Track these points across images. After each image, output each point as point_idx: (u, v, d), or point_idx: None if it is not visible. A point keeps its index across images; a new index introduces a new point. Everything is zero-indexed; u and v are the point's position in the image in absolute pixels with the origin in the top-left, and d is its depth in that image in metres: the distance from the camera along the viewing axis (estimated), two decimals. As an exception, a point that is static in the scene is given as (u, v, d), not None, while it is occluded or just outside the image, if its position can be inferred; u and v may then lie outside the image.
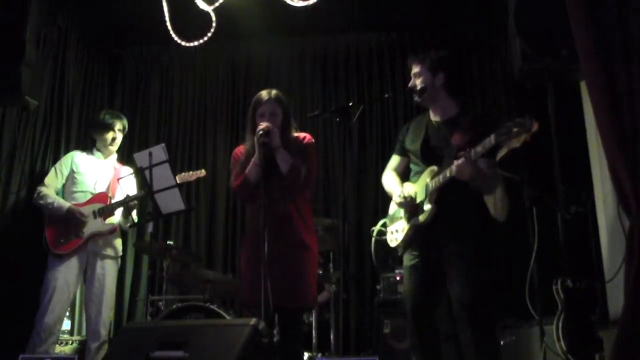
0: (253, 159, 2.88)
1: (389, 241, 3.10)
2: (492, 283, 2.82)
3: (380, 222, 3.20)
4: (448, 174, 2.74)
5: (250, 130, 2.98)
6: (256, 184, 2.85)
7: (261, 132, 2.82)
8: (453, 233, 2.81)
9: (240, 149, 3.09)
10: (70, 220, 3.81)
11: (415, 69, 3.01)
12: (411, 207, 2.92)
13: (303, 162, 2.91)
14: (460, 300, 2.72)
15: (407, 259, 2.96)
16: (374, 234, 3.20)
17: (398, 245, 3.02)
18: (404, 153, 3.14)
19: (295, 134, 3.04)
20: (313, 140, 3.04)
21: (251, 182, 2.88)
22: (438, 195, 2.82)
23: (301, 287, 2.86)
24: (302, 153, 2.96)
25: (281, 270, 2.72)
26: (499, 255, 3.95)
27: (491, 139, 2.59)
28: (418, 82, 2.98)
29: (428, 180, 2.87)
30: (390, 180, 3.13)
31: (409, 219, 2.93)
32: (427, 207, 2.83)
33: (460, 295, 2.72)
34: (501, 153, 3.74)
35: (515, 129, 2.51)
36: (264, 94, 2.99)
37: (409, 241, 2.95)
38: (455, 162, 2.69)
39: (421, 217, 2.85)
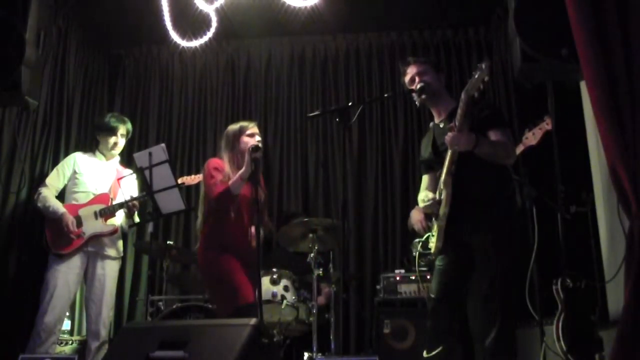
0: (240, 173, 3.11)
1: (430, 248, 3.06)
2: (514, 274, 2.78)
3: (425, 236, 3.19)
4: (449, 154, 2.76)
5: (231, 147, 3.29)
6: (235, 195, 3.15)
7: (254, 146, 3.12)
8: (473, 224, 2.78)
9: (218, 162, 3.28)
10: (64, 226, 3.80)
11: (420, 68, 3.01)
12: (437, 207, 2.89)
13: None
14: (481, 295, 2.71)
15: (438, 260, 2.95)
16: (419, 247, 3.22)
17: (435, 249, 2.97)
18: (427, 169, 3.12)
19: None
20: None
21: (233, 193, 3.13)
22: (454, 181, 2.80)
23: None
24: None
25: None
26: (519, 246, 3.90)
27: (462, 96, 2.67)
28: (427, 79, 2.98)
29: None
30: (422, 197, 3.09)
31: (436, 218, 2.92)
32: (443, 195, 2.82)
33: (481, 288, 2.71)
34: (518, 150, 3.75)
35: (475, 75, 2.60)
36: (248, 123, 3.37)
37: (443, 241, 2.90)
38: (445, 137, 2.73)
39: (441, 210, 2.83)
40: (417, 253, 3.20)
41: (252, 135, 3.30)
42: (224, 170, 3.23)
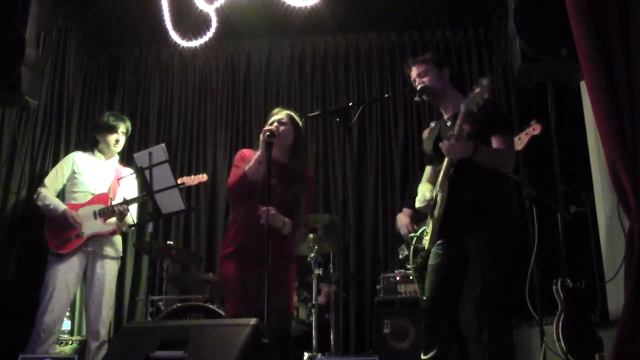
0: (256, 157, 2.91)
1: (424, 243, 3.06)
2: (508, 276, 2.79)
3: (420, 230, 3.20)
4: (446, 160, 2.77)
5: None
6: (253, 182, 2.89)
7: (268, 132, 2.87)
8: (468, 226, 2.79)
9: (247, 152, 3.10)
10: (66, 222, 3.81)
11: (420, 69, 3.00)
12: (432, 206, 2.91)
13: (301, 204, 3.00)
14: (477, 296, 2.70)
15: (431, 258, 2.94)
16: (413, 242, 3.18)
17: (428, 245, 2.98)
18: (429, 162, 3.14)
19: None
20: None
21: (249, 179, 2.90)
22: (450, 184, 2.81)
23: (290, 296, 2.97)
24: (307, 191, 3.06)
25: (273, 279, 2.64)
26: (515, 246, 3.89)
27: (461, 108, 2.67)
28: (427, 81, 2.97)
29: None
30: (422, 190, 3.09)
31: (432, 217, 2.93)
32: (439, 198, 2.83)
33: (478, 290, 2.70)
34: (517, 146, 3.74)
35: (475, 90, 2.59)
36: (277, 109, 3.15)
37: (435, 239, 2.92)
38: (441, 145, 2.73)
39: (436, 211, 2.85)
40: (412, 248, 3.18)
41: (272, 123, 3.06)
42: (245, 159, 3.03)
